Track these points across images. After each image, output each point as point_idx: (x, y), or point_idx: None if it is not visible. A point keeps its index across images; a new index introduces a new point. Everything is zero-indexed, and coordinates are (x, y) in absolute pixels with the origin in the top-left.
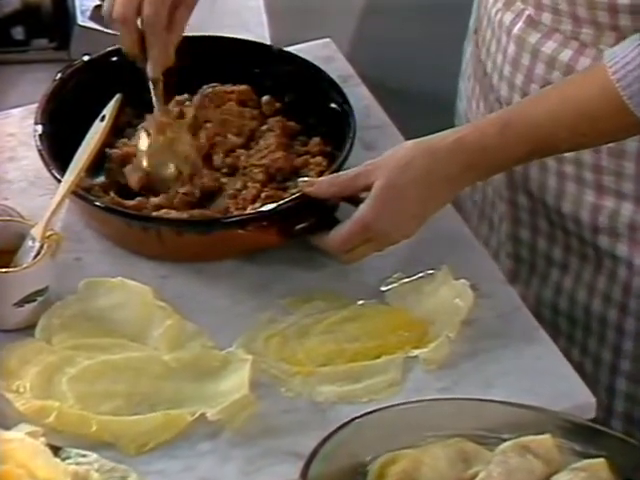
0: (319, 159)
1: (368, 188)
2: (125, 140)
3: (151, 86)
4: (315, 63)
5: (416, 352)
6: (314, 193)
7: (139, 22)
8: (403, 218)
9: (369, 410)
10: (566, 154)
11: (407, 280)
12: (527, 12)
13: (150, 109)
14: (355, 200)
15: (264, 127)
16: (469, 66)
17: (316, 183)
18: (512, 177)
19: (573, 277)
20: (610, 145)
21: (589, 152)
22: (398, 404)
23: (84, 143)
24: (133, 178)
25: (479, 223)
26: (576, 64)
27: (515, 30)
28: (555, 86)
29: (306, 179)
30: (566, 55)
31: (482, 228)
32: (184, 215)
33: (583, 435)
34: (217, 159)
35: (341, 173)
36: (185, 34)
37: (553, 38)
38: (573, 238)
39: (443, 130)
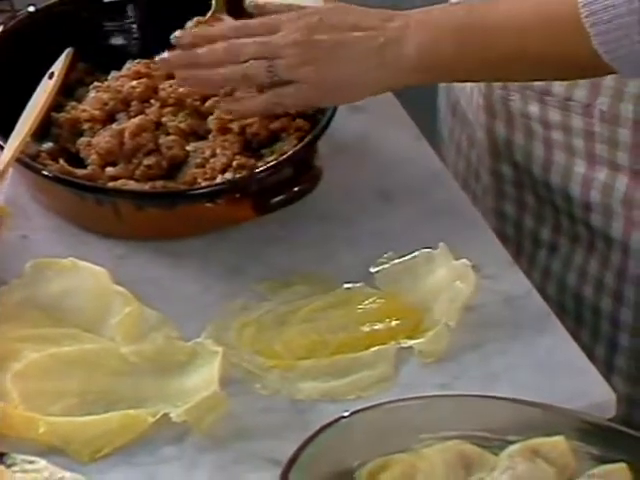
0: (299, 122)
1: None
2: (75, 103)
3: None
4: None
5: (410, 343)
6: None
7: None
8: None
9: (356, 409)
10: (554, 118)
11: (400, 260)
12: None
13: (104, 65)
14: None
15: None
16: None
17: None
18: (495, 144)
19: (563, 260)
20: (602, 109)
21: (579, 117)
22: (390, 402)
23: (30, 104)
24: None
25: None
26: None
27: None
28: None
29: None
30: None
31: None
32: (144, 187)
33: (602, 437)
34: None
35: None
36: None
37: None
38: (563, 216)
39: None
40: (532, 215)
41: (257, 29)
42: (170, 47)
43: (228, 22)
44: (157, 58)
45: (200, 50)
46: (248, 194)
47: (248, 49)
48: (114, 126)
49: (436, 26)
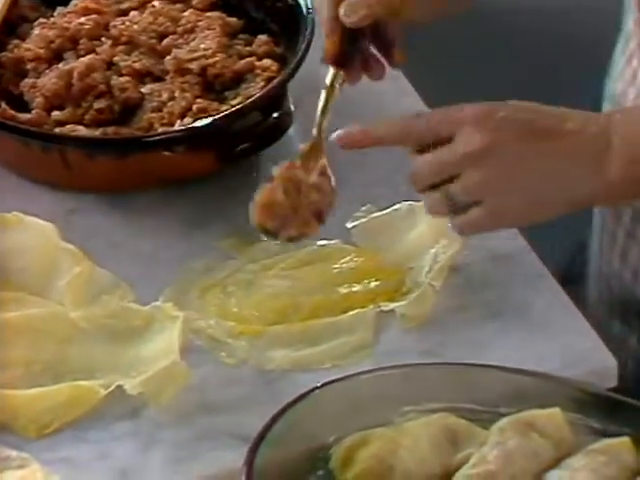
0: (267, 62)
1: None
2: (18, 42)
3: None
4: None
5: (391, 306)
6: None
7: None
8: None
9: (332, 379)
10: None
11: (379, 214)
12: None
13: (49, 0)
14: None
15: (200, 23)
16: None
17: (362, 130)
18: None
19: None
20: None
21: None
22: (369, 371)
23: None
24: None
25: None
26: None
27: None
28: None
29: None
30: None
31: None
32: (95, 133)
33: (602, 408)
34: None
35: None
36: None
37: None
38: None
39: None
40: None
41: (426, 134)
42: None
43: (390, 125)
44: None
45: None
46: (210, 142)
47: (424, 176)
48: (61, 66)
49: None
